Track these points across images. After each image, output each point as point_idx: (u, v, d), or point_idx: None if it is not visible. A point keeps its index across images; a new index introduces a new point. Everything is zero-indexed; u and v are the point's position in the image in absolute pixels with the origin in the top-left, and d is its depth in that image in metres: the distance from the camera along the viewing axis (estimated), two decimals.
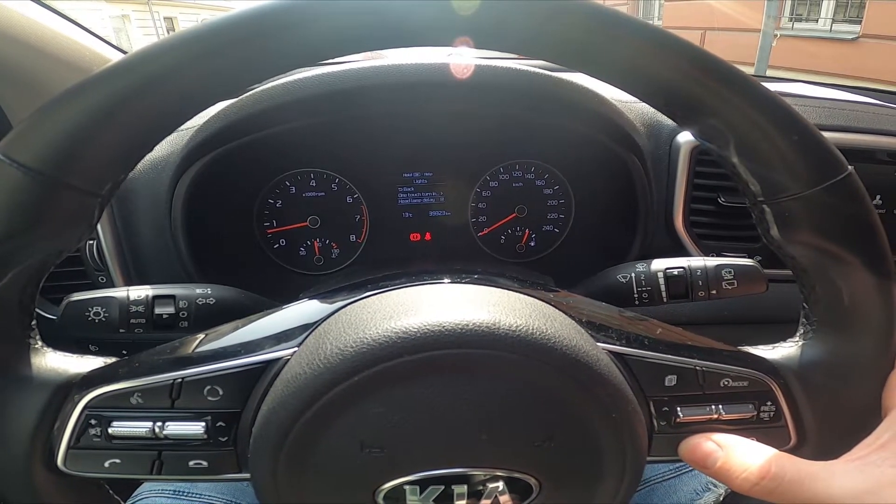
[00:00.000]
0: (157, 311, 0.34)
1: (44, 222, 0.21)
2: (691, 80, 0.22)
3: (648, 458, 0.27)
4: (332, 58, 0.22)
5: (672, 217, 0.53)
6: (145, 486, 0.48)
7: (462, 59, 0.47)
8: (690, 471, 0.51)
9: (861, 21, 4.19)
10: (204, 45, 0.20)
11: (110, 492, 0.29)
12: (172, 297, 0.35)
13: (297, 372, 0.22)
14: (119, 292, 0.34)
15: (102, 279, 0.49)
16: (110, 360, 0.26)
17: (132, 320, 0.34)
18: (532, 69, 0.47)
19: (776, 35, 3.78)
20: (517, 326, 0.22)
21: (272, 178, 0.58)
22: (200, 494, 0.48)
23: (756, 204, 0.25)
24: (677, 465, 0.52)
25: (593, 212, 0.61)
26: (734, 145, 0.23)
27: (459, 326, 0.21)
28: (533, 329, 0.22)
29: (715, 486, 0.48)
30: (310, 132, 0.52)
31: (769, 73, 4.22)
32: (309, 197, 0.59)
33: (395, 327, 0.21)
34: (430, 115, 0.54)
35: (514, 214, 0.62)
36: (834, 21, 4.46)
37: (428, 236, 0.63)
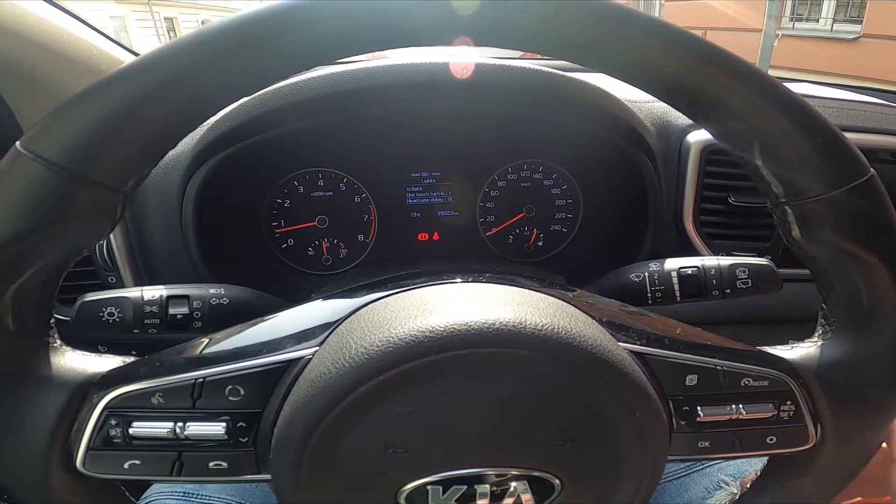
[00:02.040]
0: (172, 311, 0.34)
1: (66, 218, 0.20)
2: (714, 81, 0.22)
3: (671, 457, 0.27)
4: (348, 56, 0.22)
5: (682, 216, 0.53)
6: (154, 488, 0.48)
7: (468, 57, 0.47)
8: (701, 469, 0.51)
9: (862, 21, 4.19)
10: (222, 43, 0.20)
11: (126, 493, 0.29)
12: (186, 297, 0.35)
13: (322, 371, 0.22)
14: (133, 292, 0.34)
15: (112, 279, 0.49)
16: (128, 359, 0.26)
17: (146, 321, 0.34)
18: (540, 68, 0.47)
19: (777, 35, 3.77)
20: (543, 326, 0.22)
21: (280, 178, 0.58)
22: (210, 496, 0.48)
23: (778, 205, 0.25)
24: (688, 463, 0.52)
25: (601, 211, 0.61)
26: (758, 147, 0.23)
27: (486, 326, 0.21)
28: (559, 328, 0.22)
29: (727, 484, 0.48)
30: (317, 132, 0.52)
31: (772, 73, 4.23)
32: (317, 197, 0.59)
33: (421, 326, 0.21)
34: (438, 114, 0.54)
35: (522, 214, 0.62)
36: (835, 21, 4.45)
37: (436, 236, 0.63)
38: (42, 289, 0.23)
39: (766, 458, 0.32)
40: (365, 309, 0.24)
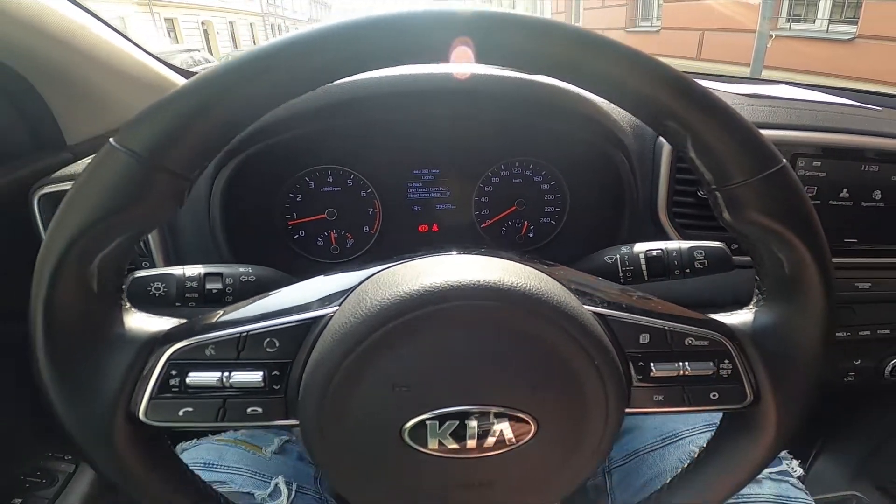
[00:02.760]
0: (208, 286, 0.40)
1: (145, 199, 0.25)
2: (655, 89, 0.26)
3: (629, 410, 0.31)
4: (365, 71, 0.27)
5: (657, 209, 0.59)
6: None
7: (466, 69, 0.52)
8: (675, 441, 0.56)
9: (857, 22, 4.21)
10: (266, 62, 0.25)
11: (171, 448, 0.33)
12: (220, 274, 0.40)
13: (341, 323, 0.27)
14: (176, 270, 0.39)
15: (146, 264, 0.55)
16: (183, 321, 0.30)
17: (187, 294, 0.39)
18: (530, 78, 0.53)
19: (771, 36, 3.81)
20: (519, 285, 0.27)
21: (293, 175, 0.64)
22: (228, 466, 0.53)
23: (710, 191, 0.29)
24: (664, 435, 0.57)
25: (586, 205, 0.66)
26: (690, 143, 0.27)
27: (474, 283, 0.26)
28: (532, 288, 0.27)
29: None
30: (328, 133, 0.57)
31: (767, 73, 4.26)
32: (326, 192, 0.65)
33: (422, 283, 0.26)
34: (437, 118, 0.60)
35: (513, 208, 0.68)
36: (831, 22, 4.47)
37: (435, 228, 0.68)
38: (120, 258, 0.27)
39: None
40: (376, 275, 0.29)
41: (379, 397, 0.27)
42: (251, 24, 25.39)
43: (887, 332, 0.70)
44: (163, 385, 0.28)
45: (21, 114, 0.54)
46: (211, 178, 0.53)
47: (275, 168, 0.60)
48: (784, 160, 0.28)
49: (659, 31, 6.88)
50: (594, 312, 0.30)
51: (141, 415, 0.28)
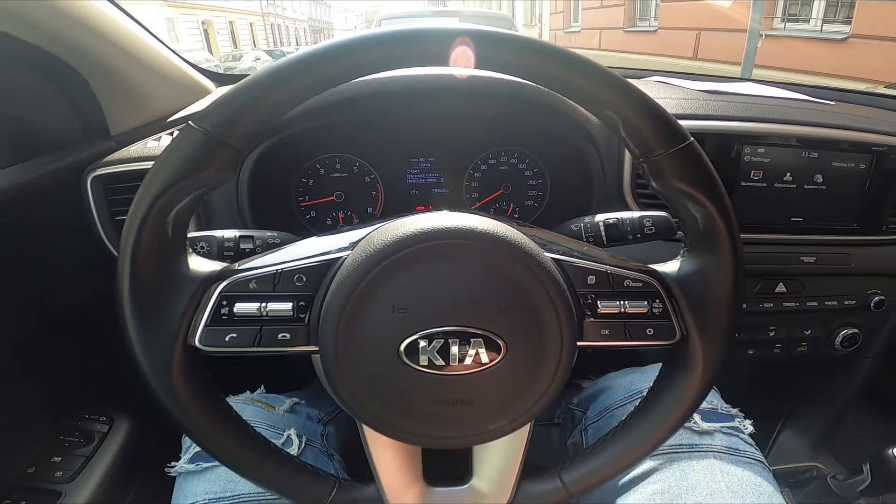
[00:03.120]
0: (241, 246, 0.48)
1: (211, 167, 0.32)
2: (595, 87, 0.32)
3: (580, 343, 0.36)
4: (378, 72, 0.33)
5: (623, 191, 0.67)
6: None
7: (462, 72, 0.61)
8: (641, 397, 0.62)
9: (851, 22, 4.25)
10: (306, 64, 0.32)
11: (217, 390, 0.38)
12: (251, 237, 0.48)
13: (353, 260, 0.33)
14: (217, 232, 0.47)
15: None
16: (228, 263, 0.37)
17: (225, 252, 0.47)
18: (515, 80, 0.61)
19: (762, 35, 3.88)
20: (490, 230, 0.33)
21: (306, 162, 0.72)
22: (245, 419, 0.58)
23: (640, 163, 0.35)
24: (631, 392, 0.60)
25: (564, 188, 0.75)
26: (622, 126, 0.34)
27: (457, 227, 0.33)
28: (500, 232, 0.33)
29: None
30: (337, 126, 0.66)
31: (760, 73, 4.30)
32: (335, 177, 0.74)
33: (416, 228, 0.33)
34: (433, 113, 0.69)
35: (500, 191, 0.76)
36: (825, 22, 4.50)
37: (430, 209, 0.77)
38: (188, 212, 0.34)
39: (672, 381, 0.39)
40: (381, 227, 0.36)
41: (381, 320, 0.33)
42: (251, 24, 25.40)
43: (834, 303, 0.77)
44: (215, 315, 0.34)
45: (74, 105, 0.63)
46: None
47: (291, 156, 0.69)
48: (691, 138, 0.34)
49: (656, 31, 6.92)
50: (551, 258, 0.36)
51: (196, 342, 0.34)
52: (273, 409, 0.59)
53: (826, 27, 4.48)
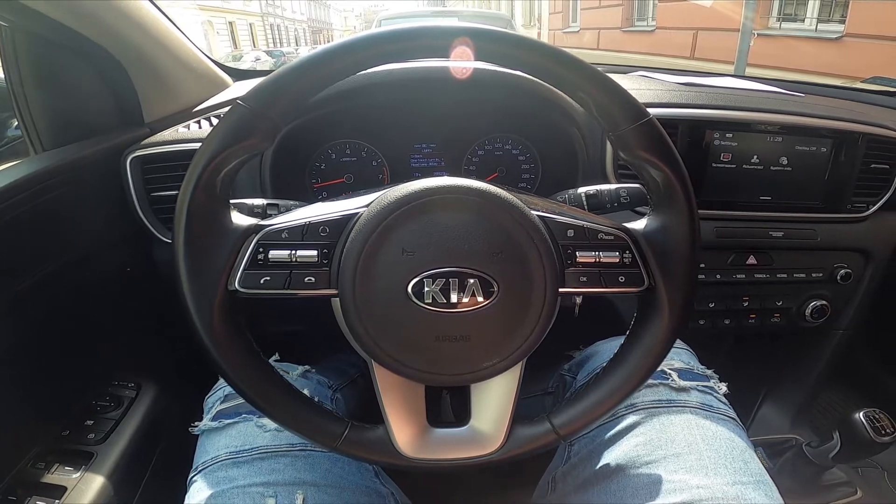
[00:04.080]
0: (268, 213, 0.55)
1: (254, 135, 0.37)
2: (570, 73, 0.38)
3: (562, 289, 0.40)
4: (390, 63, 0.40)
5: (605, 170, 0.74)
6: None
7: (462, 63, 0.68)
8: None
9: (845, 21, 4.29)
10: (336, 52, 0.38)
11: (251, 340, 0.42)
12: (277, 204, 0.55)
13: (369, 212, 0.38)
14: (248, 200, 0.54)
15: None
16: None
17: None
18: (509, 72, 0.68)
19: (754, 35, 3.94)
20: (485, 187, 0.39)
21: (319, 147, 0.80)
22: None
23: (609, 136, 0.41)
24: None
25: (553, 170, 0.82)
26: (593, 105, 0.39)
27: (457, 185, 0.39)
28: (493, 190, 0.39)
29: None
30: (347, 114, 0.74)
31: (754, 71, 4.35)
32: (345, 161, 0.81)
33: (423, 185, 0.39)
34: (435, 102, 0.76)
35: (496, 174, 0.83)
36: (820, 21, 4.54)
37: None
38: (234, 174, 0.39)
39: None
40: (394, 187, 0.42)
41: (393, 262, 0.38)
42: (251, 25, 25.41)
43: (802, 276, 0.84)
44: (252, 260, 0.39)
45: (114, 94, 0.70)
46: None
47: (306, 142, 0.77)
48: (651, 114, 0.39)
49: (654, 31, 6.99)
50: (537, 215, 0.41)
51: (236, 285, 0.38)
52: (287, 374, 0.63)
53: (821, 26, 4.52)
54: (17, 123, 0.69)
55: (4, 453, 0.63)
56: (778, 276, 0.83)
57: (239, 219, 0.41)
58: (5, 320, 0.58)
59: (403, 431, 0.43)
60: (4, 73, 0.65)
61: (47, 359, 0.68)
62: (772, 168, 0.77)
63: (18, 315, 0.61)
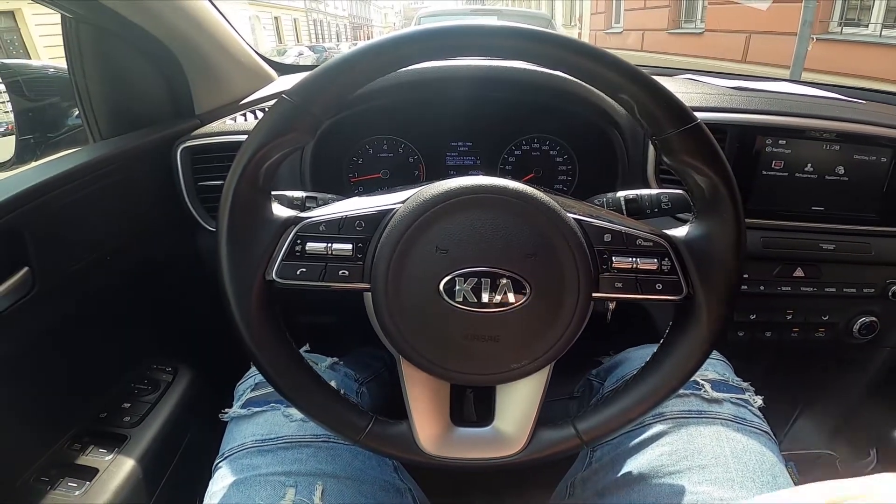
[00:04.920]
0: (307, 205, 0.56)
1: (296, 129, 0.38)
2: (613, 74, 0.37)
3: (596, 294, 0.39)
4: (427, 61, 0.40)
5: (646, 173, 0.72)
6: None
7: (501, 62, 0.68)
8: None
9: None
10: (366, 53, 0.38)
11: (285, 330, 0.42)
12: (315, 197, 0.57)
13: (404, 209, 0.39)
14: (288, 193, 0.56)
15: None
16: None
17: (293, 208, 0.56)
18: (546, 70, 0.68)
19: (812, 39, 3.76)
20: (522, 189, 0.39)
21: (358, 142, 0.81)
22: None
23: (652, 141, 0.40)
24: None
25: (591, 172, 0.81)
26: (636, 108, 0.38)
27: (494, 185, 0.38)
28: (529, 191, 0.39)
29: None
30: (385, 110, 0.74)
31: (811, 76, 4.15)
32: (382, 156, 0.82)
33: (459, 184, 0.38)
34: (472, 100, 0.76)
35: (532, 175, 0.82)
36: (885, 26, 4.33)
37: None
38: (277, 166, 0.40)
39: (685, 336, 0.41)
40: (430, 185, 0.42)
41: (426, 259, 0.38)
42: (295, 20, 26.03)
43: (853, 290, 0.79)
44: (290, 251, 0.39)
45: (168, 86, 0.73)
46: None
47: (344, 137, 0.78)
48: (698, 119, 0.38)
49: (703, 34, 6.77)
50: (574, 218, 0.40)
51: (274, 275, 0.39)
52: (315, 365, 0.60)
53: (885, 31, 4.32)
54: (77, 112, 0.73)
55: (43, 432, 0.64)
56: (826, 290, 0.79)
57: (279, 210, 0.41)
58: (58, 299, 0.61)
59: (426, 428, 0.43)
60: (68, 65, 0.69)
61: (91, 340, 0.70)
62: (826, 177, 0.73)
63: (70, 294, 0.64)
